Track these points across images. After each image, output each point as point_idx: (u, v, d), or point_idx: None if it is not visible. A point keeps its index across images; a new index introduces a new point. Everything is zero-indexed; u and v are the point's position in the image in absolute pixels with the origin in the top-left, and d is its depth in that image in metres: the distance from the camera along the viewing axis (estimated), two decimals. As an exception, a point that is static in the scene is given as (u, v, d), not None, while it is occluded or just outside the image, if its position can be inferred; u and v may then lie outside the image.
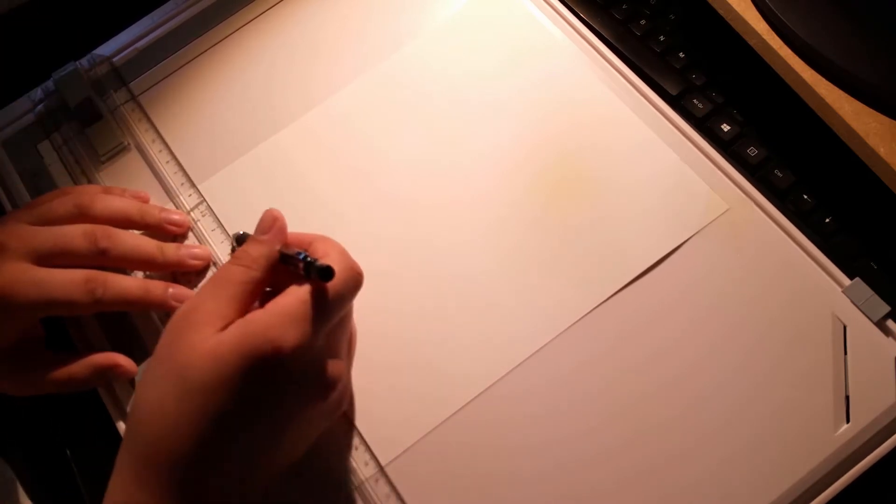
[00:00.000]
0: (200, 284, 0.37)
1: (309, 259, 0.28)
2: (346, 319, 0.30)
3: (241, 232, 0.35)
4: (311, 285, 0.27)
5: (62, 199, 0.35)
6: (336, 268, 0.27)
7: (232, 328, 0.26)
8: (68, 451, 0.38)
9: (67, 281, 0.32)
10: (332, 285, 0.27)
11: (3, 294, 0.31)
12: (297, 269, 0.28)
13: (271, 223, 0.30)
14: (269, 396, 0.26)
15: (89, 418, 0.37)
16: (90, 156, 0.41)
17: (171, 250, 0.36)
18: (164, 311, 0.36)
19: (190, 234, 0.38)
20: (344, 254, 0.30)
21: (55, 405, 0.39)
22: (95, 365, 0.34)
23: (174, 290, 0.35)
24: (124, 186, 0.39)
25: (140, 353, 0.36)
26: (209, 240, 0.38)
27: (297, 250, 0.29)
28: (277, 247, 0.30)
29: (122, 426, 0.35)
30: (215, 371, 0.25)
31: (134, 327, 0.36)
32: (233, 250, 0.36)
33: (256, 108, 0.41)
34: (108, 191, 0.38)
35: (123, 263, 0.35)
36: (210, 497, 0.26)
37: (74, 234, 0.33)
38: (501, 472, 0.32)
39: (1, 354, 0.33)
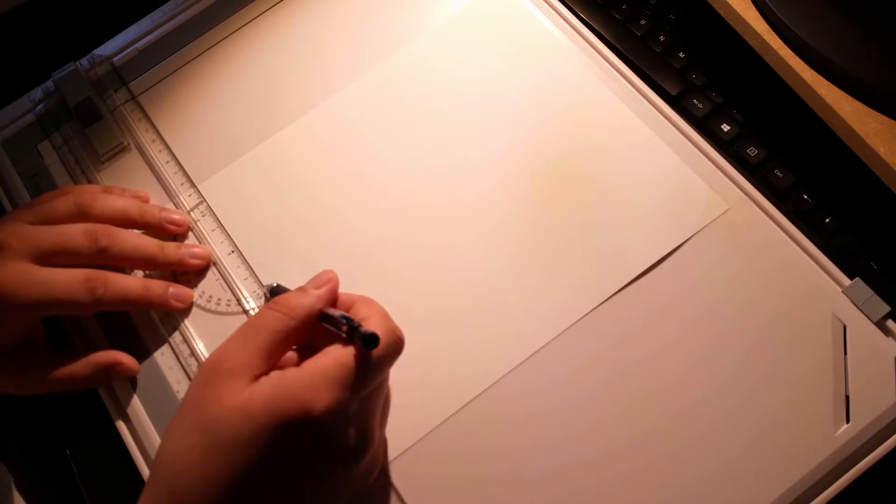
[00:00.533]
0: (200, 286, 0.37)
1: (354, 324, 0.27)
2: (382, 384, 0.29)
3: (276, 284, 0.34)
4: (355, 349, 0.26)
5: (63, 199, 0.35)
6: (378, 332, 0.26)
7: (264, 383, 0.26)
8: (68, 451, 0.38)
9: (68, 280, 0.32)
10: (375, 352, 0.26)
11: (4, 293, 0.31)
12: (339, 330, 0.27)
13: (325, 281, 0.29)
14: (298, 459, 0.25)
15: (89, 419, 0.36)
16: (90, 156, 0.41)
17: (171, 249, 0.36)
18: (165, 310, 0.36)
19: (190, 234, 0.38)
20: (386, 317, 0.28)
21: (55, 406, 0.39)
22: (97, 363, 0.34)
23: (174, 289, 0.35)
24: (124, 186, 0.39)
25: (140, 351, 0.36)
26: (209, 240, 0.38)
27: (339, 311, 0.28)
28: (321, 304, 0.29)
29: (122, 426, 0.35)
30: (245, 428, 0.25)
31: (133, 326, 0.36)
32: (266, 300, 0.35)
33: (256, 108, 0.41)
34: (108, 190, 0.38)
35: (124, 262, 0.35)
36: None
37: (75, 233, 0.33)
38: (502, 471, 0.32)
39: (2, 354, 0.33)
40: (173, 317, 0.36)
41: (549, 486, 0.32)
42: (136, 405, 0.35)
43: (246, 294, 0.37)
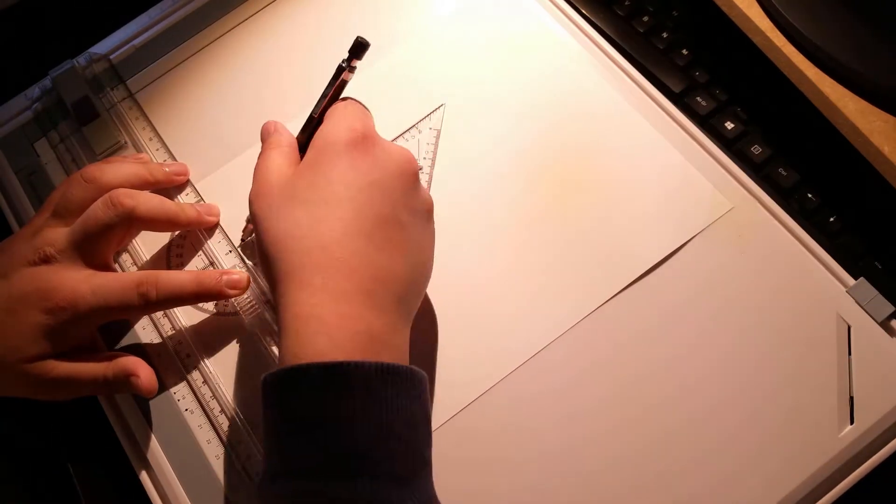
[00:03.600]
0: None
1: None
2: None
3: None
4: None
5: (71, 183, 0.34)
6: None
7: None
8: (70, 467, 0.37)
9: (120, 286, 0.32)
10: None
11: (68, 304, 0.31)
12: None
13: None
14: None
15: (90, 430, 0.36)
16: (87, 154, 0.40)
17: (189, 208, 0.37)
18: (221, 299, 0.35)
19: (188, 232, 0.38)
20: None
21: (55, 417, 0.39)
22: (122, 367, 0.33)
23: (227, 276, 0.34)
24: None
25: (140, 353, 0.35)
26: (206, 236, 0.38)
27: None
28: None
29: (123, 440, 0.34)
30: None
31: (136, 333, 0.36)
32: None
33: (254, 107, 0.41)
34: (108, 161, 0.38)
35: (150, 224, 0.34)
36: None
37: (98, 211, 0.33)
38: (503, 470, 0.32)
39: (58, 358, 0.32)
40: (185, 345, 0.36)
41: (551, 485, 0.32)
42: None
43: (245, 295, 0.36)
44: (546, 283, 0.35)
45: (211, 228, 0.38)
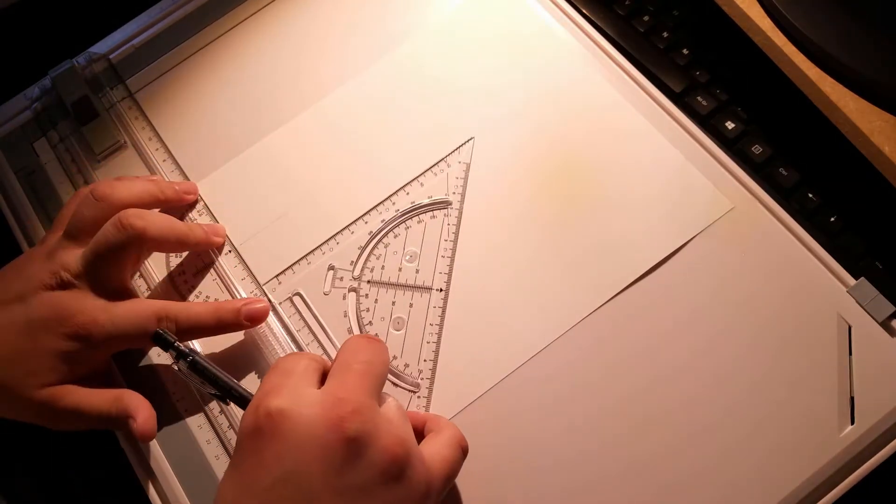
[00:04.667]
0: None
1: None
2: None
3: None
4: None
5: (83, 202, 0.34)
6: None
7: None
8: (69, 467, 0.37)
9: (139, 317, 0.32)
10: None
11: (87, 331, 0.31)
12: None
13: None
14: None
15: (95, 442, 0.36)
16: (86, 154, 0.40)
17: (197, 228, 0.36)
18: (239, 330, 0.35)
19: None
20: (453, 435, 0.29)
21: (65, 449, 0.39)
22: (124, 408, 0.32)
23: (246, 309, 0.34)
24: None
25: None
26: (216, 254, 0.37)
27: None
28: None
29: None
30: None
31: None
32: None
33: (254, 106, 0.41)
34: (119, 179, 0.37)
35: (161, 244, 0.34)
36: None
37: (109, 233, 0.32)
38: (503, 471, 0.32)
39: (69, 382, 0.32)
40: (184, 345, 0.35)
41: (551, 486, 0.32)
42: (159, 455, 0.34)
43: (243, 294, 0.36)
44: (545, 283, 0.35)
45: (219, 248, 0.37)
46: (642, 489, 0.31)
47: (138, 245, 0.33)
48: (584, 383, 0.33)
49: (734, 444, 0.32)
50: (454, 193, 0.37)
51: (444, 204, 0.37)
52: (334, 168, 0.39)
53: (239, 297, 0.36)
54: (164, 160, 0.40)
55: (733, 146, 0.39)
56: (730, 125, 0.39)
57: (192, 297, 0.36)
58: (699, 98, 0.40)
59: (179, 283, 0.37)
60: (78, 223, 0.34)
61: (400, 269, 0.36)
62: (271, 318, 0.35)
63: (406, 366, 0.34)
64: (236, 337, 0.35)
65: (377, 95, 0.40)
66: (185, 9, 0.44)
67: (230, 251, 0.37)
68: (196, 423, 0.34)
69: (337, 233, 0.37)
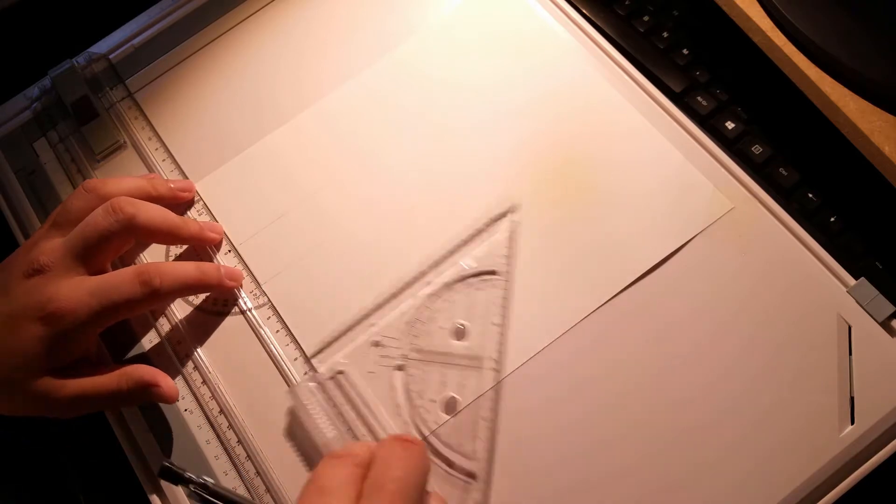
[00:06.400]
0: None
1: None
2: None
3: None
4: None
5: (73, 194, 0.34)
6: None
7: None
8: (68, 467, 0.37)
9: (119, 281, 0.31)
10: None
11: (67, 311, 0.30)
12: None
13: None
14: None
15: (88, 429, 0.36)
16: (86, 154, 0.40)
17: (192, 222, 0.36)
18: (220, 290, 0.35)
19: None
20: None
21: (59, 433, 0.38)
22: (139, 378, 0.32)
23: (226, 269, 0.34)
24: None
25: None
26: (214, 251, 0.38)
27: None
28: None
29: (122, 440, 0.34)
30: None
31: (133, 332, 0.36)
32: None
33: (254, 106, 0.41)
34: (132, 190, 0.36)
35: (152, 233, 0.34)
36: None
37: (98, 218, 0.32)
38: (503, 470, 0.32)
39: (58, 375, 0.31)
40: (184, 345, 0.36)
41: (550, 487, 0.32)
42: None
43: (243, 294, 0.36)
44: (545, 283, 0.35)
45: (216, 245, 0.37)
46: (642, 489, 0.31)
47: (126, 232, 0.32)
48: (584, 383, 0.33)
49: (734, 443, 0.31)
50: (501, 258, 0.35)
51: (490, 272, 0.35)
52: (335, 169, 0.39)
53: (241, 297, 0.36)
54: (163, 160, 0.40)
55: (733, 146, 0.39)
56: (730, 125, 0.39)
57: (242, 279, 0.36)
58: (699, 98, 0.40)
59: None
60: (65, 213, 0.33)
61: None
62: (316, 396, 0.33)
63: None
64: (281, 419, 0.34)
65: (377, 95, 0.40)
66: (185, 9, 0.44)
67: (230, 251, 0.37)
68: (196, 423, 0.34)
69: (338, 232, 0.37)
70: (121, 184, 0.35)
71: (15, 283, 0.32)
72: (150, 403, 0.34)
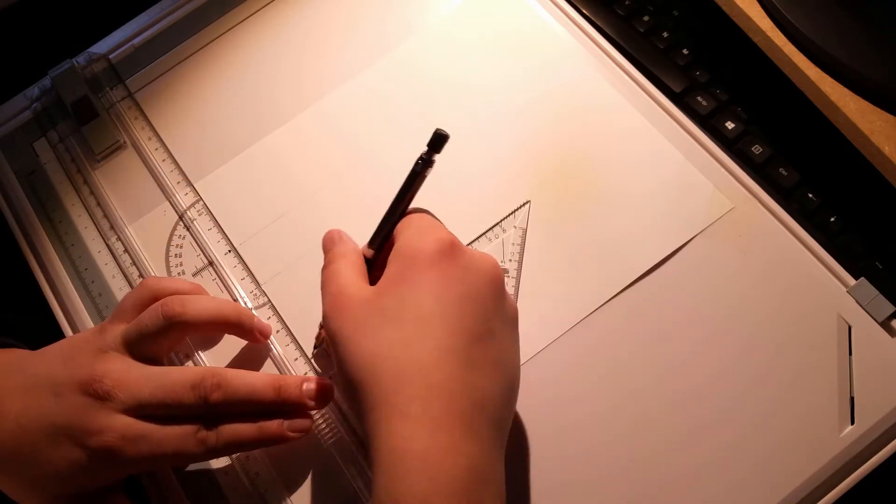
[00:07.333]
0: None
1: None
2: None
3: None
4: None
5: (151, 312, 0.31)
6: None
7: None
8: None
9: (178, 434, 0.29)
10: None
11: (115, 450, 0.29)
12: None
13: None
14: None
15: None
16: (86, 154, 0.40)
17: (292, 388, 0.31)
18: (282, 443, 0.31)
19: (186, 233, 0.38)
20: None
21: None
22: None
23: (289, 422, 0.31)
24: (121, 185, 0.39)
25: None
26: (205, 238, 0.38)
27: None
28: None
29: None
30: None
31: (217, 484, 0.33)
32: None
33: (254, 106, 0.41)
34: (195, 290, 0.35)
35: (237, 411, 0.31)
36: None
37: (182, 389, 0.30)
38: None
39: (76, 500, 0.30)
40: (183, 344, 0.35)
41: (550, 489, 0.32)
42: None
43: (243, 293, 0.36)
44: (544, 283, 0.35)
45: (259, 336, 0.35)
46: (642, 488, 0.31)
47: (204, 410, 0.30)
48: (584, 383, 0.33)
49: (734, 443, 0.31)
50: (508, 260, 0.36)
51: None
52: (335, 168, 0.38)
53: (240, 297, 0.36)
54: (163, 160, 0.40)
55: (733, 146, 0.39)
56: (730, 125, 0.39)
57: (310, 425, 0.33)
58: (699, 98, 0.40)
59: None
60: (140, 331, 0.31)
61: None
62: None
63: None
64: None
65: (377, 95, 0.40)
66: (185, 9, 0.44)
67: (230, 251, 0.37)
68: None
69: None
70: (205, 310, 0.32)
71: (72, 392, 0.29)
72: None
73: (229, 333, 0.35)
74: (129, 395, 0.29)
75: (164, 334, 0.31)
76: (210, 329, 0.33)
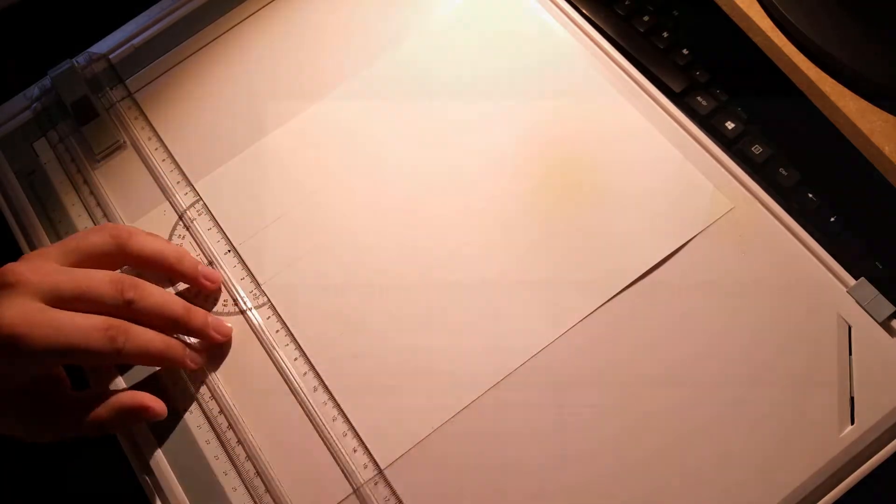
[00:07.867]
0: None
1: None
2: None
3: None
4: None
5: (97, 230, 0.33)
6: None
7: None
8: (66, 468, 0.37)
9: (88, 326, 0.29)
10: None
11: (15, 333, 0.28)
12: None
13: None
14: None
15: (107, 468, 0.35)
16: (86, 154, 0.40)
17: (199, 316, 0.33)
18: (181, 369, 0.34)
19: (186, 233, 0.38)
20: None
21: (69, 458, 0.38)
22: (121, 406, 0.32)
23: (192, 353, 0.33)
24: (121, 184, 0.39)
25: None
26: (205, 239, 0.38)
27: None
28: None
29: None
30: None
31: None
32: None
33: (254, 105, 0.41)
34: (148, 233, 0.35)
35: (147, 319, 0.32)
36: None
37: (100, 280, 0.31)
38: (504, 474, 0.32)
39: (11, 397, 0.30)
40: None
41: (550, 489, 0.32)
42: (159, 458, 0.33)
43: (243, 293, 0.36)
44: (544, 283, 0.35)
45: (212, 292, 0.36)
46: (642, 489, 0.31)
47: (119, 310, 0.31)
48: (583, 384, 0.33)
49: (734, 444, 0.31)
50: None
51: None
52: (335, 168, 0.39)
53: (240, 297, 0.36)
54: (163, 160, 0.40)
55: (733, 146, 0.39)
56: (730, 125, 0.39)
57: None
58: (699, 98, 0.40)
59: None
60: (77, 244, 0.32)
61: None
62: None
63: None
64: (280, 419, 0.34)
65: (377, 95, 0.40)
66: (185, 9, 0.44)
67: (229, 250, 0.37)
68: (196, 423, 0.34)
69: (338, 231, 0.37)
70: (149, 245, 0.33)
71: None
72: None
73: (174, 277, 0.36)
74: (46, 281, 0.30)
75: (105, 254, 0.32)
76: (150, 265, 0.34)
